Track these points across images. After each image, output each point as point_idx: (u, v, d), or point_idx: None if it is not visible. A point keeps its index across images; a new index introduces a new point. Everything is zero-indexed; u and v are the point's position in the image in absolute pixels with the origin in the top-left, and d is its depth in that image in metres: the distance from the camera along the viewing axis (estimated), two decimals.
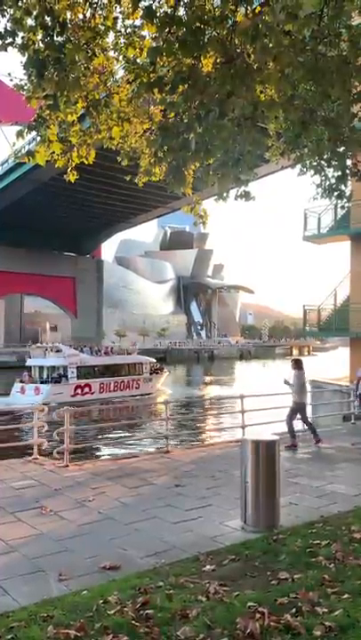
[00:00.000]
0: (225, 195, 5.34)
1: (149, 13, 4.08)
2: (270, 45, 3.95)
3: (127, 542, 5.55)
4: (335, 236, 22.29)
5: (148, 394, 37.89)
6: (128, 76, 5.47)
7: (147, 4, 4.31)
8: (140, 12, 4.41)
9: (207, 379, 57.32)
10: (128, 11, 4.93)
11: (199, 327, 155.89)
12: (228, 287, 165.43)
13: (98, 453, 17.95)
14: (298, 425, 11.32)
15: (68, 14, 4.66)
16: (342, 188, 5.99)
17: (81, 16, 4.88)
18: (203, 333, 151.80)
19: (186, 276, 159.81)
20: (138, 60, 5.44)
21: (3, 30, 4.38)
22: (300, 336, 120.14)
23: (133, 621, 3.63)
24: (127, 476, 8.40)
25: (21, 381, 34.12)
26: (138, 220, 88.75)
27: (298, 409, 11.06)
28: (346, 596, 4.00)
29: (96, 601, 3.99)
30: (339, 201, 6.54)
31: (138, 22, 5.24)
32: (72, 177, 6.36)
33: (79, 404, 30.11)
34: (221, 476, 8.42)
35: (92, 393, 35.06)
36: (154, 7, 4.25)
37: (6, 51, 4.48)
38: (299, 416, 11.19)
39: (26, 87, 5.03)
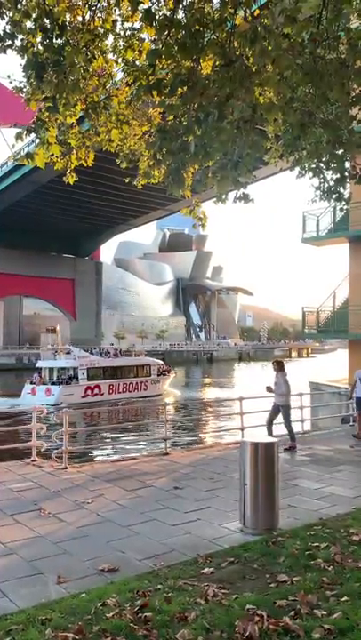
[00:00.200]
0: (224, 197, 5.35)
1: (149, 16, 4.09)
2: (269, 48, 3.96)
3: (126, 545, 5.54)
4: (334, 238, 22.29)
5: (156, 395, 38.29)
6: (127, 79, 5.48)
7: (146, 6, 4.32)
8: (140, 15, 4.42)
9: (206, 380, 57.34)
10: (127, 13, 4.95)
11: (198, 329, 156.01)
12: (226, 289, 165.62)
13: (97, 456, 17.93)
14: (280, 428, 11.00)
15: (68, 17, 4.67)
16: (341, 190, 6.00)
17: (80, 18, 4.89)
18: (202, 335, 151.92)
19: (185, 277, 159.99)
20: (137, 63, 5.46)
21: (2, 33, 4.39)
22: (299, 338, 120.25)
23: (132, 624, 3.62)
24: (126, 479, 8.39)
25: (32, 383, 34.65)
26: (137, 222, 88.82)
27: (286, 410, 10.77)
28: (345, 598, 4.00)
29: (94, 604, 3.98)
30: (338, 203, 6.54)
31: (137, 25, 5.26)
32: (71, 179, 6.37)
33: (89, 405, 30.52)
34: (220, 478, 8.41)
35: (102, 394, 35.61)
36: (153, 10, 4.26)
37: (5, 53, 4.49)
38: (281, 417, 10.79)
39: (25, 89, 5.04)
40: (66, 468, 9.11)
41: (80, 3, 4.82)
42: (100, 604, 3.96)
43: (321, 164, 5.84)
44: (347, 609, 3.80)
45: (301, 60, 4.43)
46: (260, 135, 4.93)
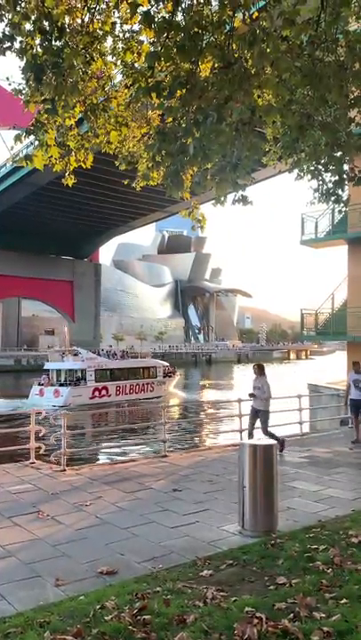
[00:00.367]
0: (223, 199, 5.36)
1: (147, 18, 4.09)
2: (268, 51, 3.97)
3: (124, 547, 5.53)
4: (332, 240, 22.33)
5: (161, 396, 38.55)
6: (126, 81, 5.49)
7: (145, 9, 4.33)
8: (139, 17, 4.42)
9: (205, 382, 57.33)
10: (126, 16, 4.95)
11: (197, 331, 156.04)
12: (225, 291, 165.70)
13: (95, 458, 17.90)
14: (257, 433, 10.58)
15: (67, 19, 4.67)
16: (339, 192, 6.01)
17: (79, 21, 4.89)
18: (200, 337, 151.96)
19: (183, 279, 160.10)
20: (136, 65, 5.46)
21: (1, 35, 4.39)
22: (297, 340, 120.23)
23: (131, 627, 3.61)
24: (124, 481, 8.38)
25: (40, 384, 35.01)
26: (136, 224, 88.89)
27: (265, 415, 10.34)
28: (344, 601, 3.99)
29: (93, 606, 3.97)
30: (336, 205, 6.56)
31: (136, 27, 5.26)
32: (70, 181, 6.37)
33: (97, 406, 30.89)
34: (219, 480, 8.40)
35: (109, 395, 35.99)
36: (152, 12, 4.26)
37: (4, 55, 4.49)
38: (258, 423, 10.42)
39: (24, 91, 5.04)
40: (64, 470, 9.10)
41: (79, 5, 4.82)
42: (98, 607, 3.94)
43: (319, 167, 5.86)
44: (346, 611, 3.79)
45: (300, 63, 4.44)
46: (259, 137, 4.94)
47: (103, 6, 4.97)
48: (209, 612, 3.85)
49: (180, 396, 41.46)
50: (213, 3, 4.37)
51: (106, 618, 3.76)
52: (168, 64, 4.26)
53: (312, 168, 5.92)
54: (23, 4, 4.30)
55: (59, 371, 36.12)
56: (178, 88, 4.22)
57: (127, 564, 5.04)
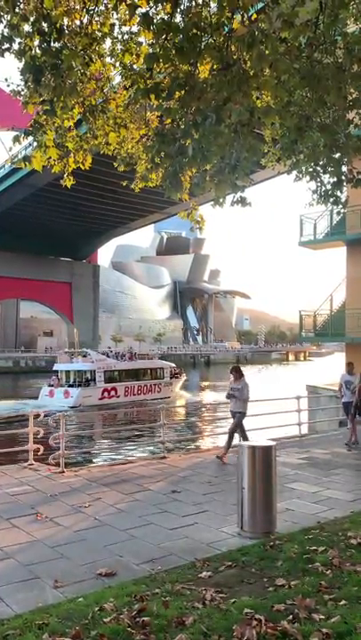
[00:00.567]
0: (221, 200, 5.36)
1: (146, 20, 4.10)
2: (267, 52, 3.97)
3: (123, 549, 5.52)
4: (331, 241, 22.36)
5: (168, 397, 38.98)
6: (125, 82, 5.50)
7: (143, 10, 4.34)
8: (137, 19, 4.43)
9: (204, 384, 57.32)
10: (125, 17, 4.96)
11: (195, 332, 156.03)
12: (224, 292, 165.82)
13: (94, 459, 17.89)
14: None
15: (65, 20, 4.68)
16: (338, 193, 6.02)
17: (78, 22, 4.90)
18: (199, 338, 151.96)
19: (182, 281, 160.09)
20: (135, 67, 5.47)
21: (0, 36, 4.39)
22: (296, 341, 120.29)
23: (129, 629, 3.60)
24: (123, 482, 8.37)
25: (50, 385, 35.53)
26: (134, 226, 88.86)
27: (241, 417, 10.09)
28: (343, 602, 3.99)
29: (92, 608, 3.96)
30: (335, 207, 6.57)
31: (135, 29, 5.28)
32: (68, 182, 6.37)
33: (106, 407, 31.34)
34: (218, 481, 8.40)
35: (118, 396, 36.47)
36: (151, 14, 4.27)
37: (3, 56, 4.49)
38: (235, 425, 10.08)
39: (23, 93, 5.05)
40: (63, 471, 9.08)
41: (78, 6, 4.83)
42: (97, 609, 3.93)
43: (318, 168, 5.87)
44: (345, 613, 3.79)
45: (299, 64, 4.45)
46: (258, 139, 4.95)
47: (102, 8, 4.98)
48: (208, 613, 3.84)
49: (185, 397, 41.76)
50: (212, 4, 4.37)
51: (105, 619, 3.75)
52: (167, 65, 4.26)
53: (311, 169, 5.93)
54: (22, 6, 4.31)
55: (68, 372, 36.54)
56: (177, 89, 4.22)
57: (126, 566, 5.03)
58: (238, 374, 10.28)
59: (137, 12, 4.28)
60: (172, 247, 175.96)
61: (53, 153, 5.65)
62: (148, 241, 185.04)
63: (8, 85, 5.67)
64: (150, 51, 4.56)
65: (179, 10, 4.25)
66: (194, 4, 4.34)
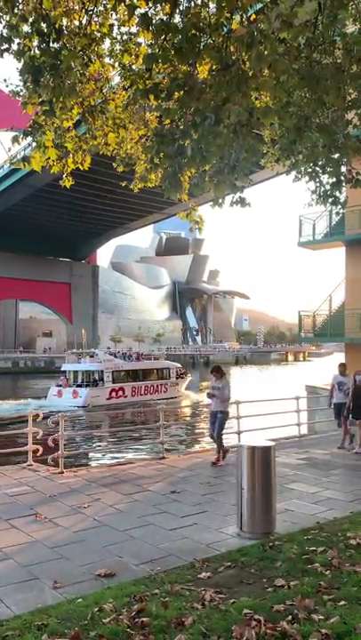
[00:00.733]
0: (221, 201, 5.36)
1: (145, 20, 4.10)
2: (266, 53, 3.97)
3: (122, 549, 5.52)
4: (330, 242, 22.37)
5: (174, 397, 39.28)
6: (124, 83, 5.50)
7: (143, 11, 4.34)
8: (136, 20, 4.43)
9: (203, 384, 57.29)
10: (124, 18, 4.95)
11: (195, 332, 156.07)
12: (223, 293, 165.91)
13: (93, 460, 17.88)
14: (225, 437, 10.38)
15: (64, 21, 4.68)
16: (337, 194, 6.02)
17: (77, 23, 4.90)
18: (198, 339, 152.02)
19: (181, 281, 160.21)
20: (134, 67, 5.47)
21: None
22: (295, 342, 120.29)
23: (129, 629, 3.60)
24: (122, 483, 8.37)
25: (58, 385, 35.87)
26: (133, 226, 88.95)
27: (224, 417, 10.01)
28: (342, 602, 3.98)
29: (91, 609, 3.96)
30: (334, 207, 6.57)
31: (134, 29, 5.27)
32: (67, 183, 6.37)
33: (114, 407, 31.67)
34: (217, 482, 8.39)
35: (125, 396, 36.78)
36: (150, 14, 4.27)
37: (2, 57, 4.49)
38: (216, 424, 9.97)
39: (22, 93, 5.05)
40: (62, 472, 9.08)
41: (77, 7, 4.83)
42: (96, 610, 3.93)
43: (317, 168, 5.87)
44: (344, 613, 3.79)
45: (298, 65, 4.45)
46: (257, 139, 4.94)
47: (101, 8, 4.97)
48: (207, 614, 3.84)
49: (191, 397, 41.97)
50: (211, 5, 4.37)
51: (104, 620, 3.75)
52: (166, 66, 4.27)
53: (310, 170, 5.93)
54: (21, 6, 4.31)
55: (76, 372, 36.84)
56: (176, 90, 4.23)
57: (125, 567, 5.03)
58: (219, 374, 10.28)
59: (136, 13, 4.28)
60: (171, 247, 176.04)
61: (52, 153, 5.65)
62: (147, 241, 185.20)
63: (7, 86, 5.67)
64: (149, 51, 4.57)
65: (178, 10, 4.25)
66: (193, 4, 4.34)
